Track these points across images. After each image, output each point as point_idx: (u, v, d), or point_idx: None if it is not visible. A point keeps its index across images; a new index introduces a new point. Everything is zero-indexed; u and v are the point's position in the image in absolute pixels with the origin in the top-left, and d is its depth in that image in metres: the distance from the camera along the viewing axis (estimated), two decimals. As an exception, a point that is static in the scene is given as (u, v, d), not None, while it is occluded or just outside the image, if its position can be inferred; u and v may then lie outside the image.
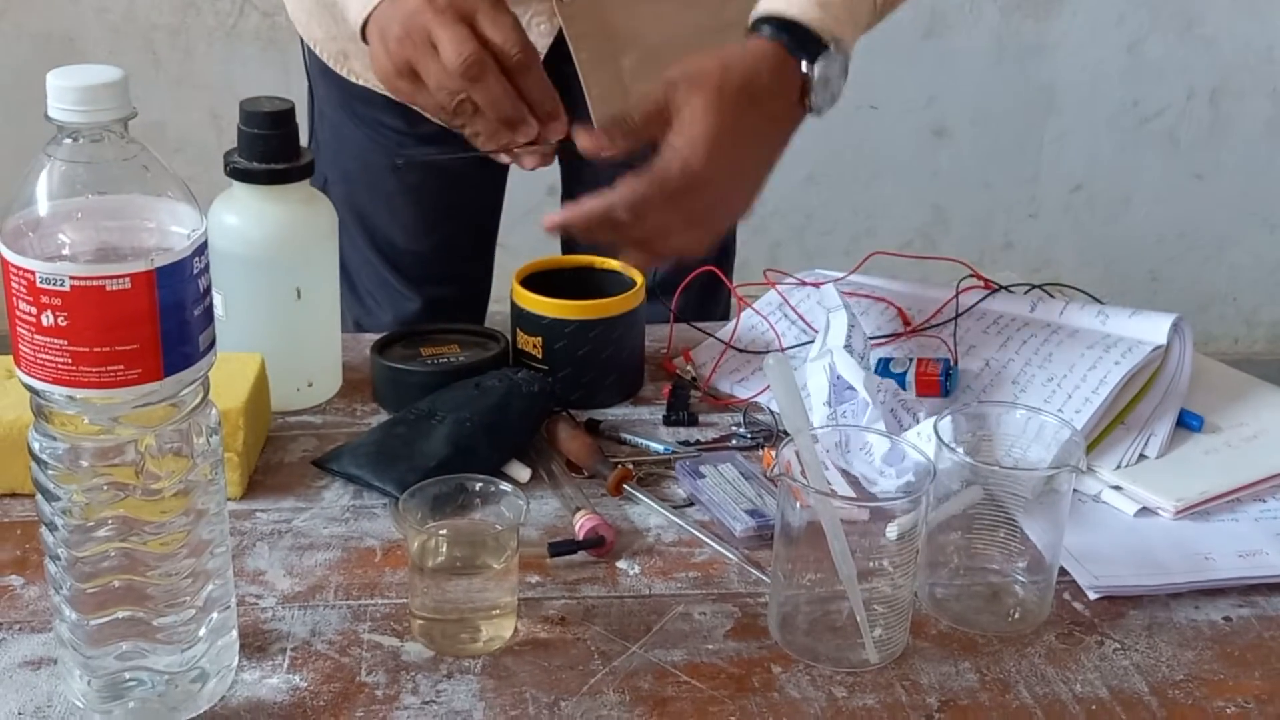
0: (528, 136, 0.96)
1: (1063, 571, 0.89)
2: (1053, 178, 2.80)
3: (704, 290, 1.32)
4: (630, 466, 0.98)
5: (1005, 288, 1.17)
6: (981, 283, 1.17)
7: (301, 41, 1.33)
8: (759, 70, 0.94)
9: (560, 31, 1.18)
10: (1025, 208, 2.82)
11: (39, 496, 0.73)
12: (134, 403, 0.70)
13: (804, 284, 1.22)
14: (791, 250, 2.75)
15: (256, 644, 0.82)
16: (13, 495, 0.95)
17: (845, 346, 1.01)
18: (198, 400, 0.73)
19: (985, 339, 1.12)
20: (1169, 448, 1.02)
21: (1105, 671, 0.83)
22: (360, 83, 1.27)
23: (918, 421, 1.00)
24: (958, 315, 1.13)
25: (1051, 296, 1.17)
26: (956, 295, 1.15)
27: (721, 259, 1.45)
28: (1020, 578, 0.88)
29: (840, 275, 1.22)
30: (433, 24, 0.93)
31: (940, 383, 1.06)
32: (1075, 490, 0.94)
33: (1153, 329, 1.07)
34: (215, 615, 0.77)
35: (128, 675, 0.75)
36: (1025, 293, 1.16)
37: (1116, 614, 0.88)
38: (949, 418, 0.87)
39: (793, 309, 1.19)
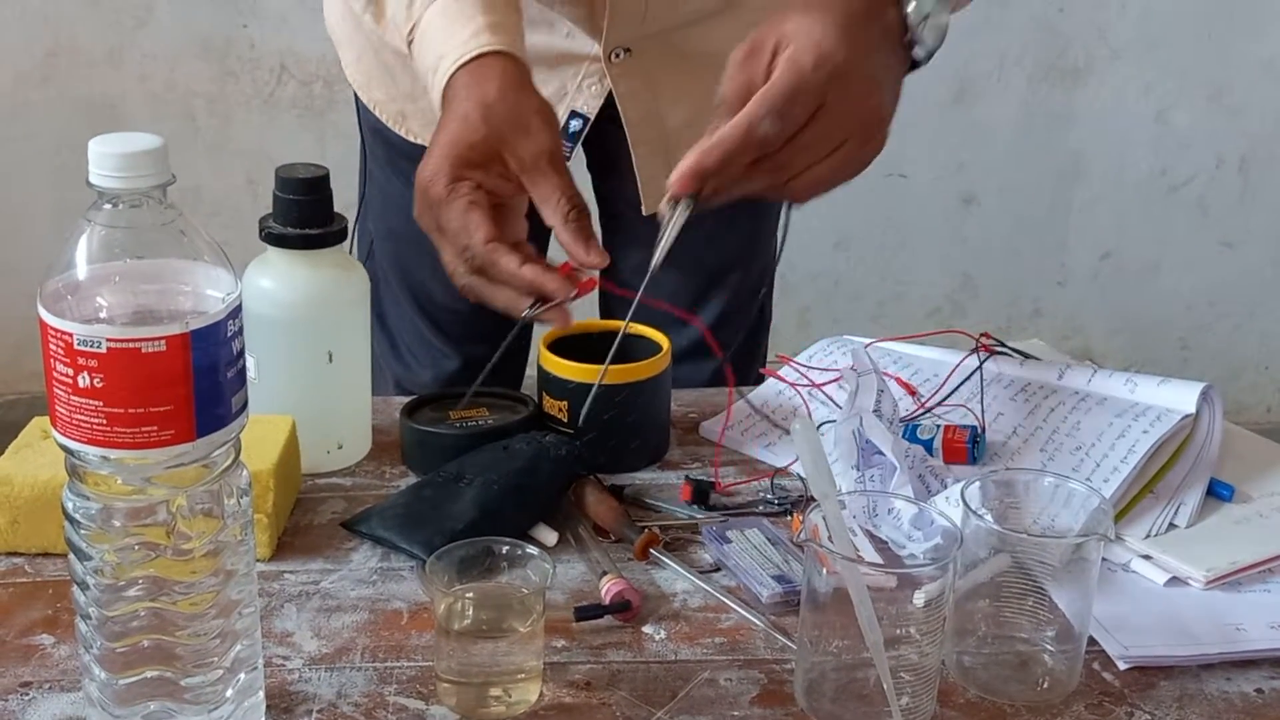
0: (556, 296, 0.91)
1: (1092, 641, 0.88)
2: (1081, 245, 2.80)
3: (740, 355, 1.33)
4: (657, 531, 0.98)
5: (995, 350, 1.16)
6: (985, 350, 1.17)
7: (356, 100, 1.35)
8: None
9: (610, 93, 1.20)
10: (1054, 275, 2.83)
11: (71, 556, 0.73)
12: (167, 463, 0.70)
13: (806, 375, 1.22)
14: (820, 315, 2.76)
15: (283, 705, 0.82)
16: (45, 555, 0.96)
17: (874, 410, 1.02)
18: (229, 461, 0.74)
19: (1013, 406, 1.12)
20: (1199, 517, 1.01)
21: (1135, 743, 0.82)
22: (418, 141, 1.28)
23: (945, 487, 1.00)
24: (983, 384, 1.13)
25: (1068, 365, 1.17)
26: (980, 366, 1.15)
27: (757, 324, 1.45)
28: (1049, 647, 0.87)
29: (868, 341, 1.22)
30: (440, 209, 0.91)
31: (968, 449, 1.06)
32: (1104, 559, 0.94)
33: (1182, 397, 1.06)
34: (243, 676, 0.77)
35: (154, 736, 0.75)
36: (1021, 363, 1.16)
37: (1147, 684, 0.87)
38: (977, 484, 0.87)
39: (815, 385, 1.19)
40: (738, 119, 0.83)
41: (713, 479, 1.07)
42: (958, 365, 1.15)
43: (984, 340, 1.17)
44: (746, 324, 1.40)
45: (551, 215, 0.89)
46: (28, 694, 0.82)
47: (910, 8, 0.88)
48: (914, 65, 0.91)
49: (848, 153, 0.86)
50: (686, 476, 1.05)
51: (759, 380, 1.24)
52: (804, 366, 1.21)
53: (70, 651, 0.86)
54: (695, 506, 1.03)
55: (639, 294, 0.90)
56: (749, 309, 1.41)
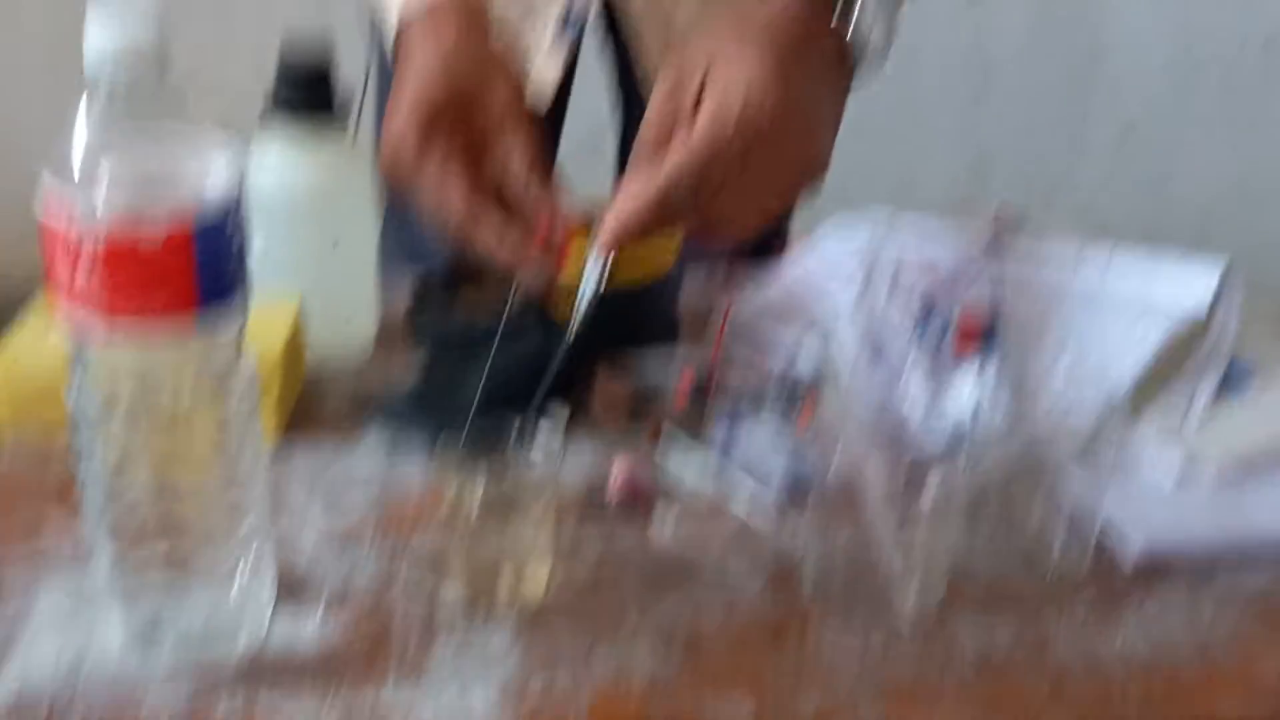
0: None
1: (1105, 530, 0.88)
2: (1101, 125, 2.76)
3: (756, 247, 1.31)
4: (668, 417, 0.98)
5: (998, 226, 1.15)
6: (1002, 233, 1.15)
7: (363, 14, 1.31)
8: (784, 15, 0.83)
9: None
10: (1072, 156, 2.79)
11: (76, 439, 0.73)
12: (170, 350, 0.70)
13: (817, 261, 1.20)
14: (832, 198, 2.73)
15: (293, 585, 0.82)
16: (53, 436, 0.95)
17: (887, 298, 1.00)
18: (234, 347, 0.73)
19: (1029, 293, 1.10)
20: (1215, 407, 1.01)
21: (1146, 631, 0.82)
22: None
23: (959, 376, 0.99)
24: (1000, 269, 1.11)
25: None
26: (998, 249, 1.13)
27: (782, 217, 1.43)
28: (1061, 535, 0.87)
29: (884, 224, 1.20)
30: (414, 178, 0.86)
31: (982, 338, 1.05)
32: (1118, 449, 0.93)
33: (1201, 278, 1.04)
34: (251, 558, 0.77)
35: (165, 614, 0.75)
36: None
37: (1158, 574, 0.87)
38: (991, 373, 0.86)
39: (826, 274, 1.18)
40: (657, 182, 0.79)
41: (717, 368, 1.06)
42: (973, 249, 1.13)
43: (998, 222, 1.15)
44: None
45: (515, 172, 0.86)
46: (37, 572, 0.82)
47: (850, 34, 0.84)
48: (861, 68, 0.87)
49: (779, 203, 0.83)
50: (684, 364, 1.03)
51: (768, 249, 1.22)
52: (817, 250, 1.19)
53: (78, 532, 0.86)
54: (696, 397, 1.02)
55: (554, 362, 0.87)
56: None
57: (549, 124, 1.39)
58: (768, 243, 1.37)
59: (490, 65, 0.88)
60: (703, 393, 1.02)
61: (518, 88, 0.87)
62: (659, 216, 0.80)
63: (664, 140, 0.80)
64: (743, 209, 0.81)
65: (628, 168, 0.82)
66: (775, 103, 0.78)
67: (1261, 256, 2.85)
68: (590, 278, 0.83)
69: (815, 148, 0.83)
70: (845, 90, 0.87)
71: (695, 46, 0.82)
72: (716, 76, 0.79)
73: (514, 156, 0.85)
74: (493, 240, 0.84)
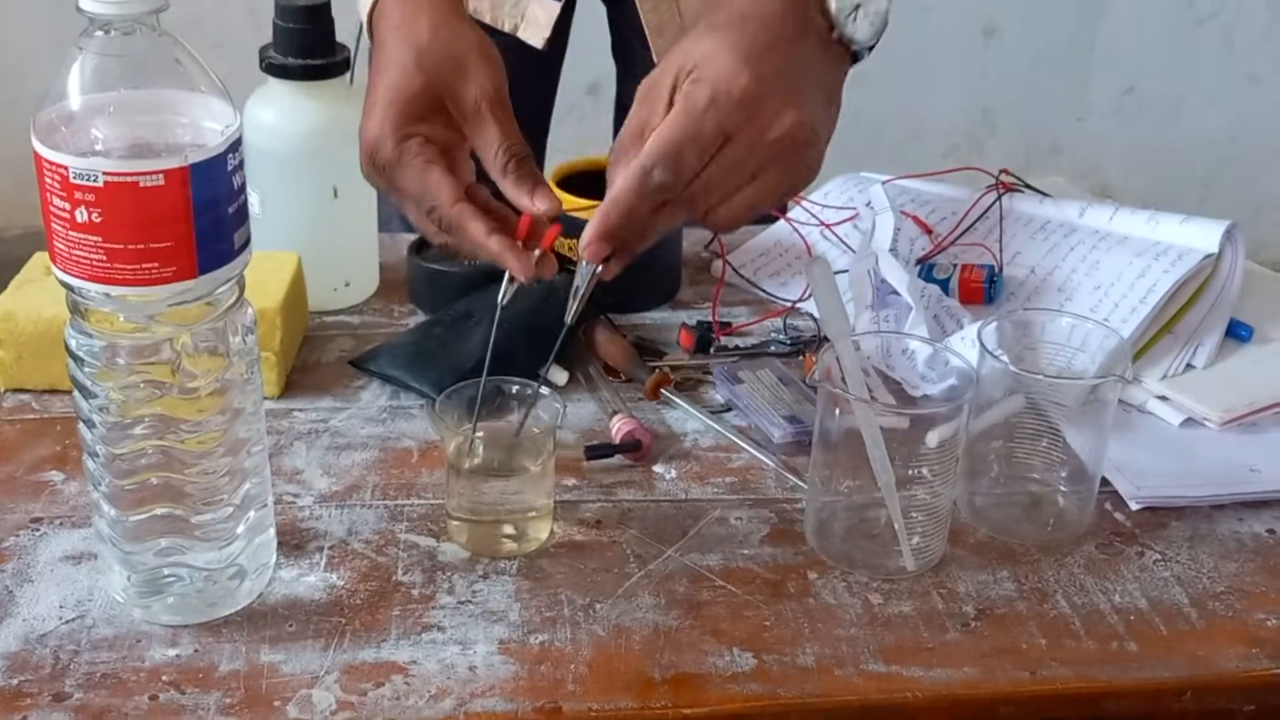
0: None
1: (1104, 481, 0.88)
2: (1103, 80, 2.74)
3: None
4: (668, 371, 0.98)
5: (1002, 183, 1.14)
6: (1004, 188, 1.15)
7: None
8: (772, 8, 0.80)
9: None
10: (1075, 111, 2.77)
11: (76, 393, 0.73)
12: (169, 300, 0.69)
13: (819, 216, 1.19)
14: (835, 152, 2.71)
15: (294, 542, 0.82)
16: (52, 391, 0.95)
17: (890, 249, 1.00)
18: (233, 299, 0.73)
19: (1031, 245, 1.10)
20: (1217, 358, 1.00)
21: (1145, 582, 0.82)
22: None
23: (961, 328, 0.99)
24: (1001, 222, 1.11)
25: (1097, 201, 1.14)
26: (999, 203, 1.12)
27: None
28: (1061, 487, 0.87)
29: (885, 178, 1.20)
30: (394, 172, 0.83)
31: (984, 289, 1.05)
32: (1120, 400, 0.93)
33: (1204, 236, 1.04)
34: (253, 513, 0.77)
35: (166, 571, 0.75)
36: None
37: (1158, 525, 0.87)
38: (993, 324, 0.86)
39: (828, 225, 1.17)
40: (631, 170, 0.77)
41: (722, 320, 1.06)
42: (975, 203, 1.13)
43: (1003, 177, 1.14)
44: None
45: (490, 166, 0.82)
46: (38, 530, 0.83)
47: (833, 5, 0.80)
48: (856, 58, 0.84)
49: (771, 180, 0.79)
50: (684, 323, 1.03)
51: (768, 217, 1.21)
52: (818, 205, 1.18)
53: (80, 488, 0.86)
54: (696, 353, 1.01)
55: (557, 344, 0.84)
56: None
57: (547, 64, 1.37)
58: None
59: (466, 54, 0.84)
60: (703, 348, 1.02)
61: (494, 75, 0.84)
62: (640, 209, 0.78)
63: (634, 145, 0.79)
64: (730, 194, 0.79)
65: (607, 171, 0.81)
66: (748, 84, 0.76)
67: (1263, 217, 2.84)
68: (583, 276, 0.81)
69: (801, 126, 0.78)
70: (838, 70, 0.83)
71: (674, 49, 0.80)
72: (690, 72, 0.78)
73: (490, 149, 0.83)
74: (476, 246, 0.82)
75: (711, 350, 1.01)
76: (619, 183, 0.78)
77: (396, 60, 0.85)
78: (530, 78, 1.35)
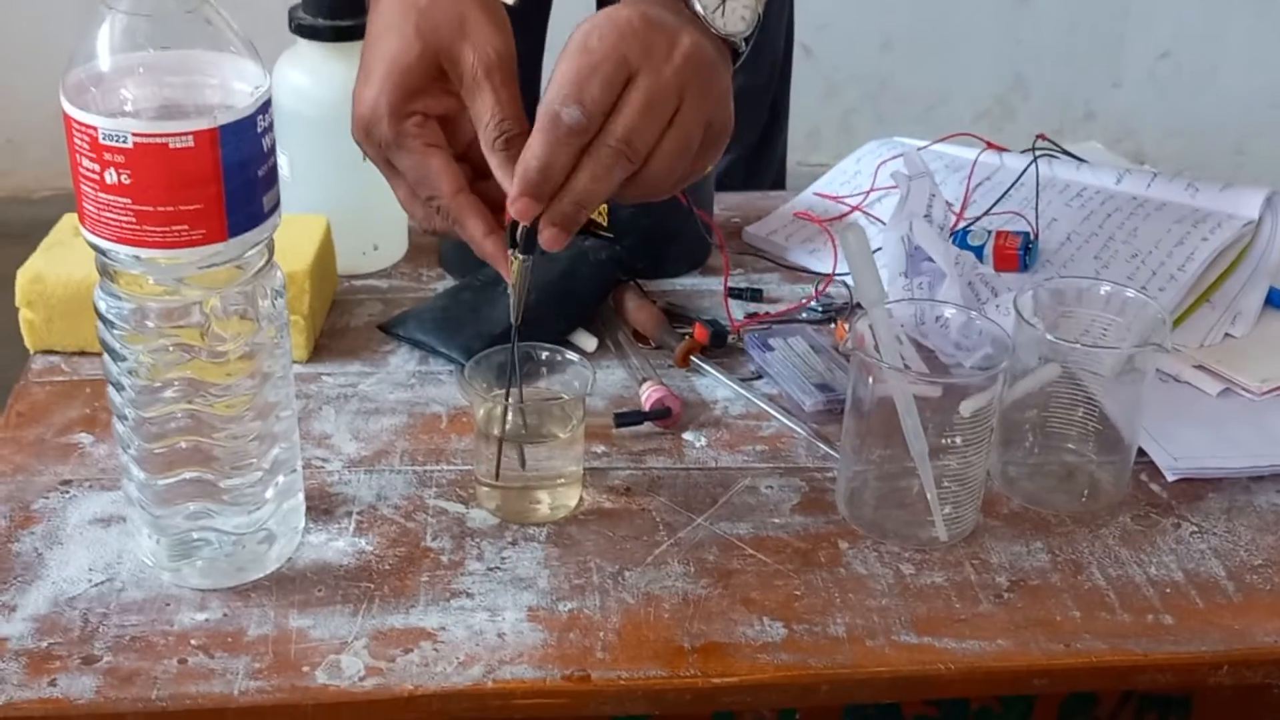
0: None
1: (1140, 452, 0.87)
2: (1138, 46, 2.71)
3: (751, 159, 1.28)
4: (698, 337, 0.97)
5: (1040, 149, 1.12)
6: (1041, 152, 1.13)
7: None
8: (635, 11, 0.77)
9: None
10: (1108, 77, 2.74)
11: (105, 356, 0.72)
12: (199, 264, 0.69)
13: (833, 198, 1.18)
14: (864, 118, 2.69)
15: (323, 507, 0.82)
16: (82, 353, 0.95)
17: (924, 216, 0.98)
18: (263, 262, 0.72)
19: (1068, 212, 1.08)
20: (1256, 326, 0.99)
21: (1181, 554, 0.81)
22: None
23: (996, 296, 0.98)
24: (1038, 188, 1.09)
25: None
26: (1035, 168, 1.11)
27: (771, 125, 1.39)
28: (1096, 457, 0.86)
29: (923, 144, 1.18)
30: (392, 153, 0.80)
31: (1020, 256, 1.03)
32: (1156, 369, 0.92)
33: (1244, 203, 1.02)
34: (282, 478, 0.77)
35: (195, 535, 0.75)
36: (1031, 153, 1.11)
37: (1195, 496, 0.86)
38: (1029, 292, 0.85)
39: (853, 207, 1.16)
40: (540, 117, 0.74)
41: (753, 289, 1.05)
42: (1013, 167, 1.11)
43: (1040, 142, 1.13)
44: (756, 123, 1.33)
45: (481, 139, 0.78)
46: (68, 492, 0.83)
47: (698, 4, 0.78)
48: (736, 52, 0.81)
49: (690, 114, 0.76)
50: (699, 319, 0.98)
51: (778, 182, 1.20)
52: (849, 171, 1.17)
53: (110, 450, 0.86)
54: (705, 355, 0.96)
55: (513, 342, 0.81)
56: (757, 106, 1.34)
57: (532, 17, 1.32)
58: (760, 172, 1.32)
59: (467, 14, 0.79)
60: (717, 344, 0.99)
61: (496, 38, 0.81)
62: (557, 158, 0.74)
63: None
64: (654, 140, 0.75)
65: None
66: (636, 17, 0.75)
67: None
68: (518, 271, 0.78)
69: (699, 48, 0.76)
70: (722, 56, 0.80)
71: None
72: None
73: (482, 121, 0.80)
74: (472, 244, 0.79)
75: (739, 324, 1.00)
76: (532, 135, 0.74)
77: (394, 25, 0.80)
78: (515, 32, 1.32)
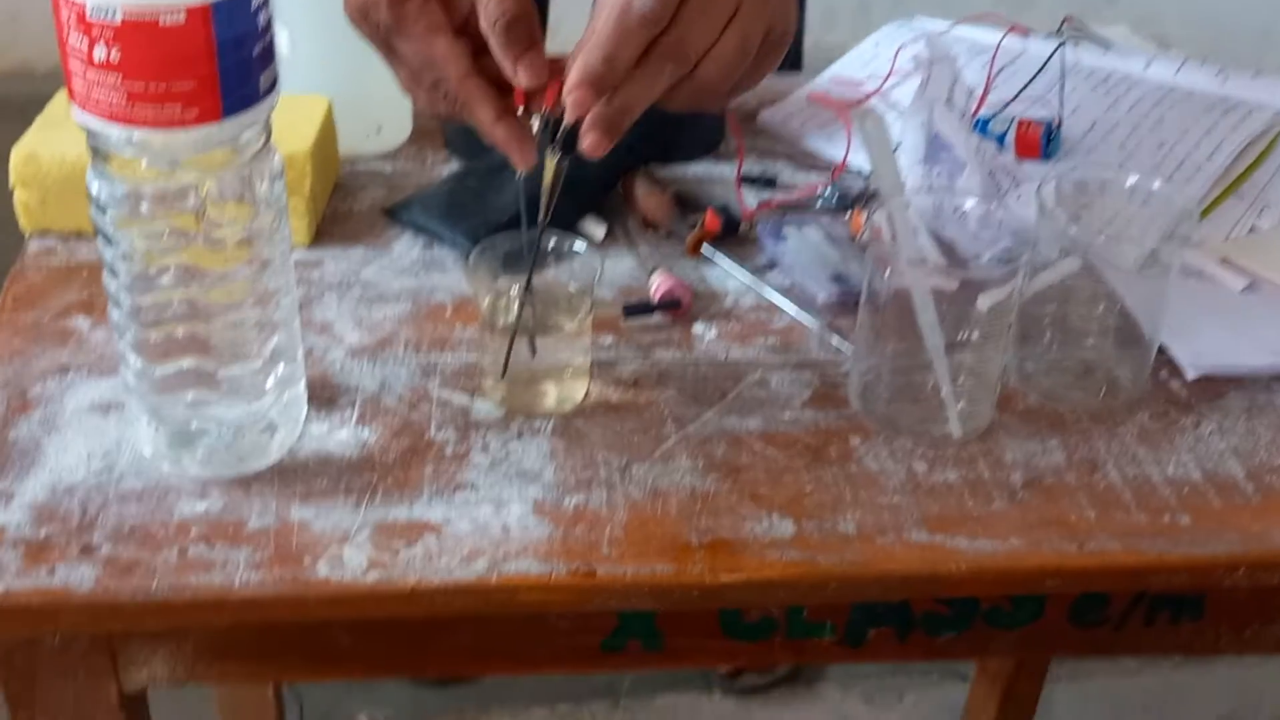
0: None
1: (1161, 349, 0.85)
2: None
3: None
4: (710, 229, 0.94)
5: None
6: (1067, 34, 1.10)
7: None
8: None
9: None
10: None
11: (99, 240, 0.70)
12: (193, 145, 0.66)
13: (830, 101, 1.14)
14: (884, 7, 2.63)
15: (325, 396, 0.81)
16: (79, 236, 0.93)
17: (946, 102, 0.95)
18: (260, 144, 0.70)
19: (1093, 99, 1.05)
20: (1283, 222, 0.96)
21: (1200, 454, 0.79)
22: None
23: (1017, 186, 0.95)
24: (1063, 73, 1.06)
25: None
26: (1061, 51, 1.07)
27: None
28: (1115, 354, 0.84)
29: (945, 25, 1.14)
30: (392, 37, 0.77)
31: (1042, 145, 1.00)
32: (1181, 263, 0.89)
33: (1276, 92, 0.99)
34: (282, 367, 0.75)
35: (195, 424, 0.74)
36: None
37: (1215, 395, 0.84)
38: (1051, 182, 0.82)
39: (865, 95, 1.12)
40: (610, 8, 0.70)
41: (767, 178, 1.02)
42: (1038, 55, 1.07)
43: (1068, 24, 1.09)
44: None
45: (481, 14, 0.74)
46: (66, 378, 0.81)
47: None
48: None
49: (747, 20, 0.73)
50: (710, 205, 0.96)
51: (796, 63, 1.16)
52: (867, 54, 1.14)
53: (108, 336, 0.84)
54: (717, 244, 0.94)
55: (537, 236, 0.77)
56: None
57: None
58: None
59: None
60: (730, 233, 0.97)
61: None
62: (623, 53, 0.71)
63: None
64: (713, 37, 0.72)
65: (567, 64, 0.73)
66: None
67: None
68: (551, 169, 0.74)
69: None
70: None
71: None
72: None
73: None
74: (480, 130, 0.76)
75: (751, 210, 0.97)
76: (599, 25, 0.71)
77: None
78: None
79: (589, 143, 0.73)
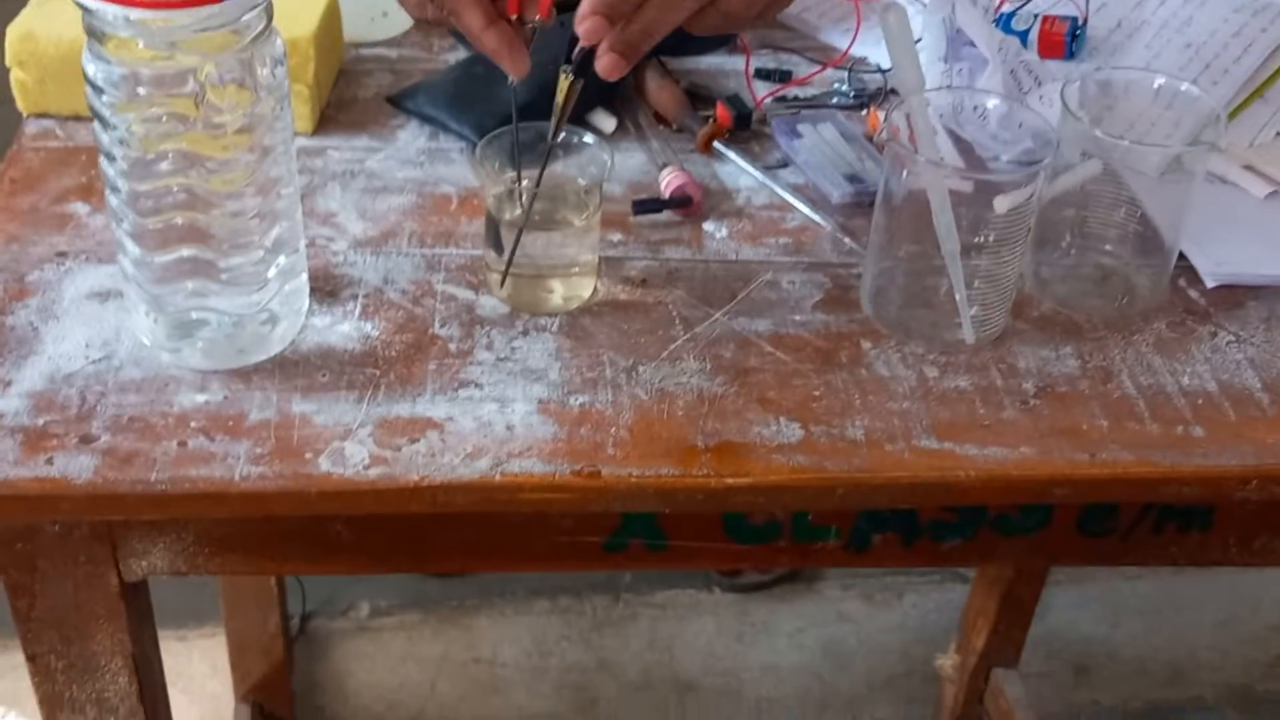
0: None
1: (1181, 256, 0.83)
2: None
3: None
4: (722, 122, 0.92)
5: None
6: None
7: None
8: None
9: None
10: None
11: (96, 124, 0.68)
12: (193, 26, 0.64)
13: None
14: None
15: (327, 289, 0.79)
16: (77, 118, 0.91)
17: (968, -3, 0.93)
18: (262, 27, 0.67)
19: (1121, -5, 1.02)
20: (1311, 128, 0.94)
21: (1216, 364, 0.78)
22: None
23: (1039, 85, 0.92)
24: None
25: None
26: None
27: None
28: (1134, 261, 0.82)
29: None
30: None
31: (1066, 43, 0.97)
32: (1205, 168, 0.87)
33: (1309, -7, 0.96)
34: (284, 258, 0.73)
35: (195, 315, 0.73)
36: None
37: (1234, 304, 0.82)
38: (1075, 83, 0.80)
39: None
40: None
41: (782, 70, 0.99)
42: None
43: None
44: None
45: None
46: (64, 264, 0.80)
47: None
48: None
49: None
50: (720, 97, 0.93)
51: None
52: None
53: (107, 222, 0.82)
54: (729, 140, 0.92)
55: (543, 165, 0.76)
56: None
57: None
58: None
59: None
60: (741, 126, 0.95)
61: None
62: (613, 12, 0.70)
63: None
64: None
65: None
66: None
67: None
68: (563, 90, 0.73)
69: None
70: None
71: None
72: None
73: None
74: (470, 38, 0.74)
75: (761, 103, 0.95)
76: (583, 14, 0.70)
77: None
78: None
79: (605, 64, 0.71)
